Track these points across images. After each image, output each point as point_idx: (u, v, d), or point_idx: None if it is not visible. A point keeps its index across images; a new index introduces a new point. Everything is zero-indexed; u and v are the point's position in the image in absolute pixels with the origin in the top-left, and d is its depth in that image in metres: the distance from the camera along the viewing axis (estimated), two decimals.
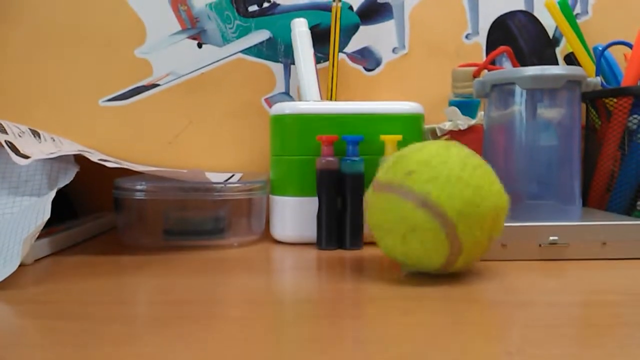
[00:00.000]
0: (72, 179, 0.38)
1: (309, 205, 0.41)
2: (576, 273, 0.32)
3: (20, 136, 0.41)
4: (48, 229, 0.39)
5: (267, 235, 0.44)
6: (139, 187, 0.40)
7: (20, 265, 0.30)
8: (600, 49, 0.47)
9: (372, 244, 0.41)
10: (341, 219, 0.40)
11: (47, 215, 0.33)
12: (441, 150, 0.29)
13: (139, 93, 0.54)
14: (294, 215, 0.41)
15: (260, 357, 0.19)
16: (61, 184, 0.37)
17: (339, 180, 0.40)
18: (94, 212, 0.50)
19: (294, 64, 0.53)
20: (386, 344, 0.20)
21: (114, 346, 0.20)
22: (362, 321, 0.23)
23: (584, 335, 0.22)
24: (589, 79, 0.41)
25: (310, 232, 0.41)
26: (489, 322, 0.23)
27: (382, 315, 0.24)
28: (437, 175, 0.28)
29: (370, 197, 0.31)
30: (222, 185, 0.41)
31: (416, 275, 0.31)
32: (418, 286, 0.29)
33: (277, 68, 0.54)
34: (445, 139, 0.44)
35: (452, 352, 0.20)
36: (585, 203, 0.44)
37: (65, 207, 0.48)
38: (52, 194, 0.35)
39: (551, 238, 0.35)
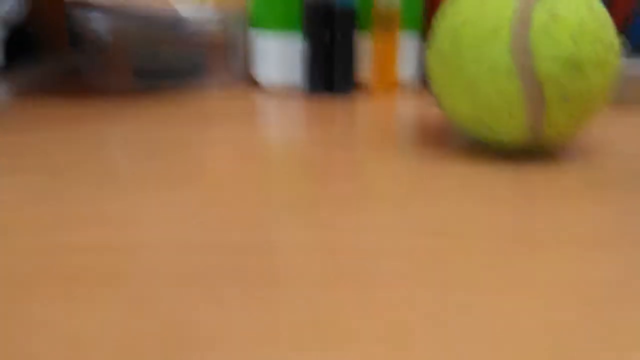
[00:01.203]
0: (24, 13, 0.33)
1: (294, 44, 0.37)
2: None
3: None
4: (6, 70, 0.35)
5: (248, 77, 0.40)
6: (102, 24, 0.35)
7: None
8: None
9: (363, 88, 0.38)
10: (330, 59, 0.36)
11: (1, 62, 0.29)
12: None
13: None
14: (277, 55, 0.38)
15: (247, 214, 0.18)
16: (14, 21, 0.32)
17: (328, 15, 0.35)
18: (53, 50, 0.45)
19: None
20: (380, 205, 0.19)
21: (85, 205, 0.19)
22: (357, 181, 0.21)
23: (601, 194, 0.20)
24: None
25: (295, 73, 0.37)
26: (494, 186, 0.21)
27: (377, 174, 0.22)
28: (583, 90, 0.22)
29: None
30: (196, 20, 0.36)
31: (414, 134, 0.29)
32: (417, 143, 0.27)
33: None
34: None
35: (442, 211, 0.18)
36: None
37: (23, 45, 0.43)
38: (3, 34, 0.31)
39: None
